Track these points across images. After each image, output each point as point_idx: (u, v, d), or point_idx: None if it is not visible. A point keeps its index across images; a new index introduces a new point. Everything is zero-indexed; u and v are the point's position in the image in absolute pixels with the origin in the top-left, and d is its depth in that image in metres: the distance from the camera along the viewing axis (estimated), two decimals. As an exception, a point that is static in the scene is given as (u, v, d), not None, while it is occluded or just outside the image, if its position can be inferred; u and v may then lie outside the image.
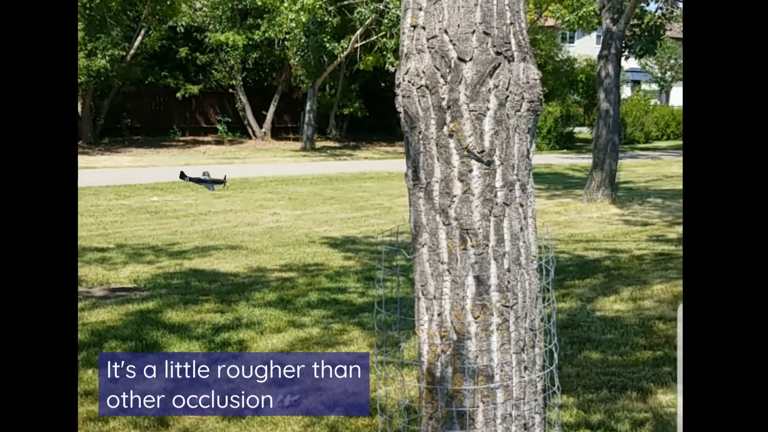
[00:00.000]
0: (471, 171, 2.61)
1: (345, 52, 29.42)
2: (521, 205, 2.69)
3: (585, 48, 43.24)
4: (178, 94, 33.19)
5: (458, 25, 2.56)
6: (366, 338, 6.48)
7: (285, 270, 9.53)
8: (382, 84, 35.69)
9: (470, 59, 2.57)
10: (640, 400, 5.02)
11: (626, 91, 45.17)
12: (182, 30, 31.19)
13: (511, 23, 2.61)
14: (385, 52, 28.82)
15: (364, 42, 29.37)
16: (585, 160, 24.30)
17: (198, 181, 6.87)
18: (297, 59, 30.42)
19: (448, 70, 2.58)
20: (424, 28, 2.61)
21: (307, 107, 31.75)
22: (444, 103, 2.59)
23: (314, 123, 32.00)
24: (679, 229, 12.64)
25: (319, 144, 33.07)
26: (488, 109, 2.59)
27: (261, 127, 34.43)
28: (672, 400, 5.00)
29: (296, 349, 6.31)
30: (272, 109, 34.33)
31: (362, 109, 34.45)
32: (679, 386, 2.23)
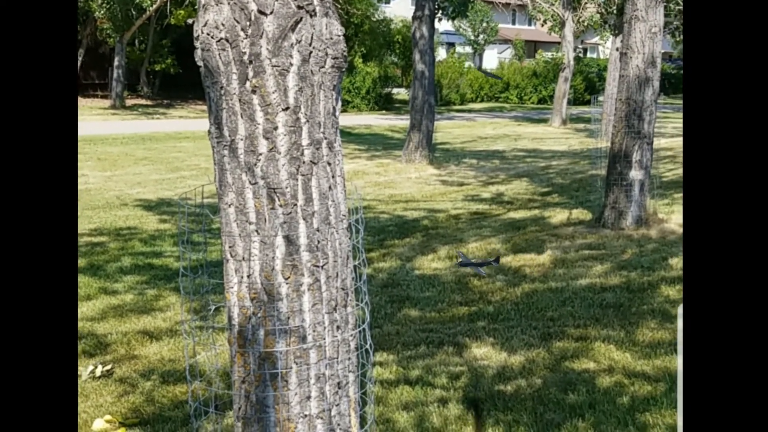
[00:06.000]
0: (276, 128, 2.54)
1: (154, 6, 28.23)
2: (329, 164, 2.65)
3: (401, 9, 43.81)
4: (-28, 48, 30.76)
5: (257, -24, 2.47)
6: (185, 303, 6.32)
7: (95, 234, 9.10)
8: (197, 40, 34.58)
9: (271, 12, 2.48)
10: (457, 354, 5.19)
11: (441, 53, 46.31)
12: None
13: (313, -24, 2.55)
14: (197, 6, 27.89)
15: (175, -5, 28.32)
16: (403, 121, 24.78)
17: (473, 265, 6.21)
18: (102, 12, 28.87)
19: (248, 23, 2.48)
20: (222, -23, 2.50)
21: (116, 63, 30.28)
22: (245, 58, 2.50)
23: (124, 79, 30.59)
24: (493, 188, 13.17)
25: (129, 102, 31.72)
26: (291, 64, 2.52)
27: (67, 84, 32.54)
28: (485, 353, 5.20)
29: (108, 317, 6.07)
30: (77, 64, 32.45)
31: (175, 65, 33.26)
32: (679, 386, 2.26)
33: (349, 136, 22.60)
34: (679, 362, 2.27)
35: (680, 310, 2.19)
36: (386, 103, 36.32)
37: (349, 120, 27.95)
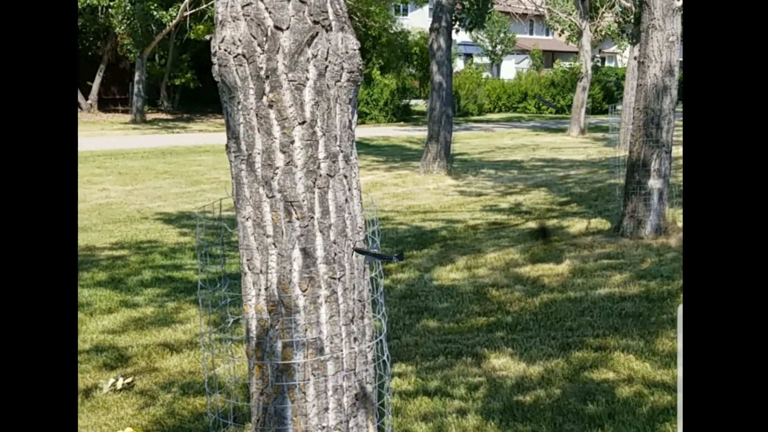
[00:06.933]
0: (293, 142, 2.57)
1: (174, 21, 28.50)
2: (345, 177, 2.68)
3: (418, 21, 43.94)
4: (-4, 65, 31.06)
5: (273, -8, 2.50)
6: (203, 316, 6.36)
7: (116, 248, 9.17)
8: (216, 54, 34.81)
9: (287, 28, 2.51)
10: (475, 365, 5.18)
11: (459, 64, 46.36)
12: (-2, -4, 29.15)
13: (328, -9, 2.57)
14: (215, 22, 28.14)
15: (194, 10, 28.57)
16: (421, 133, 24.82)
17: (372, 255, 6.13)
18: (123, 27, 29.17)
19: (264, 39, 2.51)
20: (238, -6, 2.53)
21: (136, 78, 30.57)
22: (262, 73, 2.53)
23: (144, 94, 30.86)
24: (511, 198, 13.13)
25: (150, 116, 31.99)
26: (308, 79, 2.55)
27: (87, 99, 32.82)
28: (504, 363, 5.19)
29: (129, 330, 6.11)
30: (98, 79, 32.76)
31: (195, 80, 33.51)
32: (680, 387, 2.26)
33: (367, 147, 22.66)
34: (679, 363, 2.26)
35: (680, 310, 2.19)
36: (404, 115, 36.38)
37: (367, 132, 28.01)
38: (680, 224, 9.40)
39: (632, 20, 23.31)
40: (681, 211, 10.19)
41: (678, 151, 11.16)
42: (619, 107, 23.93)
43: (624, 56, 40.34)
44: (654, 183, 8.94)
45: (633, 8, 23.12)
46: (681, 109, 12.68)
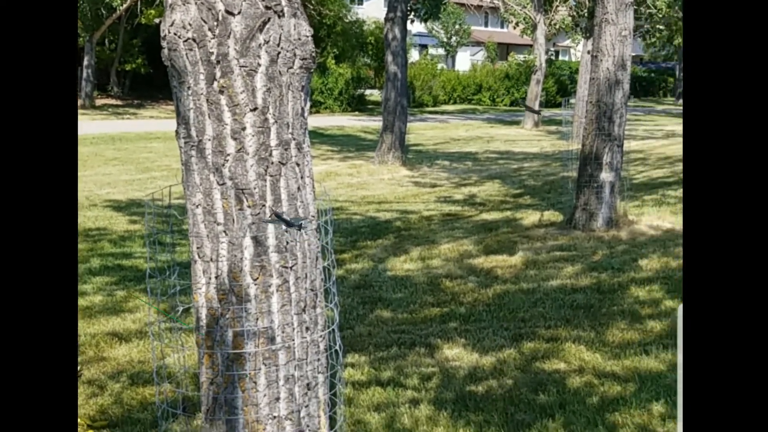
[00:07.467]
0: (244, 129, 2.53)
1: (124, 5, 28.02)
2: (298, 165, 2.65)
3: (373, 10, 43.83)
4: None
5: (225, -24, 2.46)
6: (153, 305, 6.26)
7: (64, 236, 9.00)
8: (169, 40, 34.31)
9: (238, 12, 2.47)
10: (428, 356, 5.19)
11: (414, 55, 46.39)
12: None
13: (281, -24, 2.53)
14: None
15: (145, -6, 28.13)
16: (376, 123, 24.77)
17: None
18: (73, 11, 28.59)
19: (215, 23, 2.47)
20: (188, -23, 2.48)
21: (85, 62, 30.00)
22: (213, 58, 2.48)
23: (93, 79, 30.32)
24: (465, 190, 13.18)
25: (99, 102, 31.42)
26: (260, 65, 2.51)
27: (35, 84, 32.16)
28: (457, 354, 5.20)
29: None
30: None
31: (145, 65, 32.99)
32: (679, 387, 2.25)
33: (321, 137, 22.57)
34: (679, 362, 2.27)
35: (680, 310, 2.20)
36: (359, 105, 36.27)
37: (322, 121, 27.89)
38: (631, 217, 9.53)
39: (586, 14, 23.55)
40: (632, 204, 10.34)
41: (629, 145, 11.28)
42: (572, 100, 24.17)
43: (578, 50, 40.76)
44: (606, 176, 9.04)
45: (587, 2, 23.36)
46: (633, 104, 12.81)
